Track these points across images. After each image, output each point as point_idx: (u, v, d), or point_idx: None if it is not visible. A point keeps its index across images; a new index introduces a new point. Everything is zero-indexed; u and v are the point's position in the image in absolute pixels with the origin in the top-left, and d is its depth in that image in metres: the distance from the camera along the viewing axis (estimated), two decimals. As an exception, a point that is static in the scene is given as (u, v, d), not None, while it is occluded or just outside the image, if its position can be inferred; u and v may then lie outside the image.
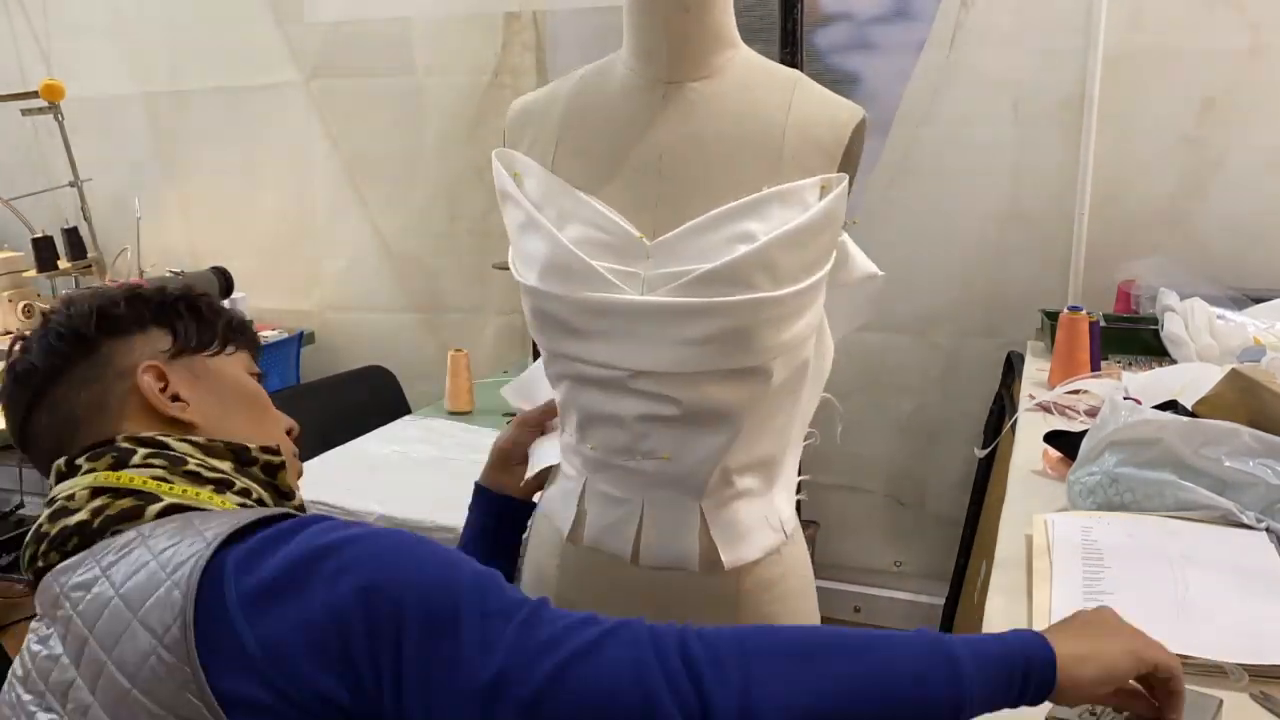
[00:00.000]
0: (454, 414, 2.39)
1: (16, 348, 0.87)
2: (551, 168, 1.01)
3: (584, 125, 1.02)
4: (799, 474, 1.13)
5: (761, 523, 1.03)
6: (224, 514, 0.73)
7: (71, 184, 2.86)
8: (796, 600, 1.08)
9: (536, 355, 2.28)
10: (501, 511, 1.17)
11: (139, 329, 0.87)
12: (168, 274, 2.88)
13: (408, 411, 2.56)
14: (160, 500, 0.74)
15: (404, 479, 1.97)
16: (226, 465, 0.82)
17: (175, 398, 0.84)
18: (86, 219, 2.91)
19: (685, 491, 0.99)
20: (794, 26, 1.46)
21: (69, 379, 0.84)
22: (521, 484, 1.16)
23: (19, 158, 3.30)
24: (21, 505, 3.71)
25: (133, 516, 0.73)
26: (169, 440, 0.80)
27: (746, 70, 0.99)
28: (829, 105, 0.98)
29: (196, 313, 0.91)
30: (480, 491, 1.18)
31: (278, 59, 2.95)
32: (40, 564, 0.75)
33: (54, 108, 2.80)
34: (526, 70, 2.74)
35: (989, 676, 0.69)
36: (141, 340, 0.86)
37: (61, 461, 0.81)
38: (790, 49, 1.47)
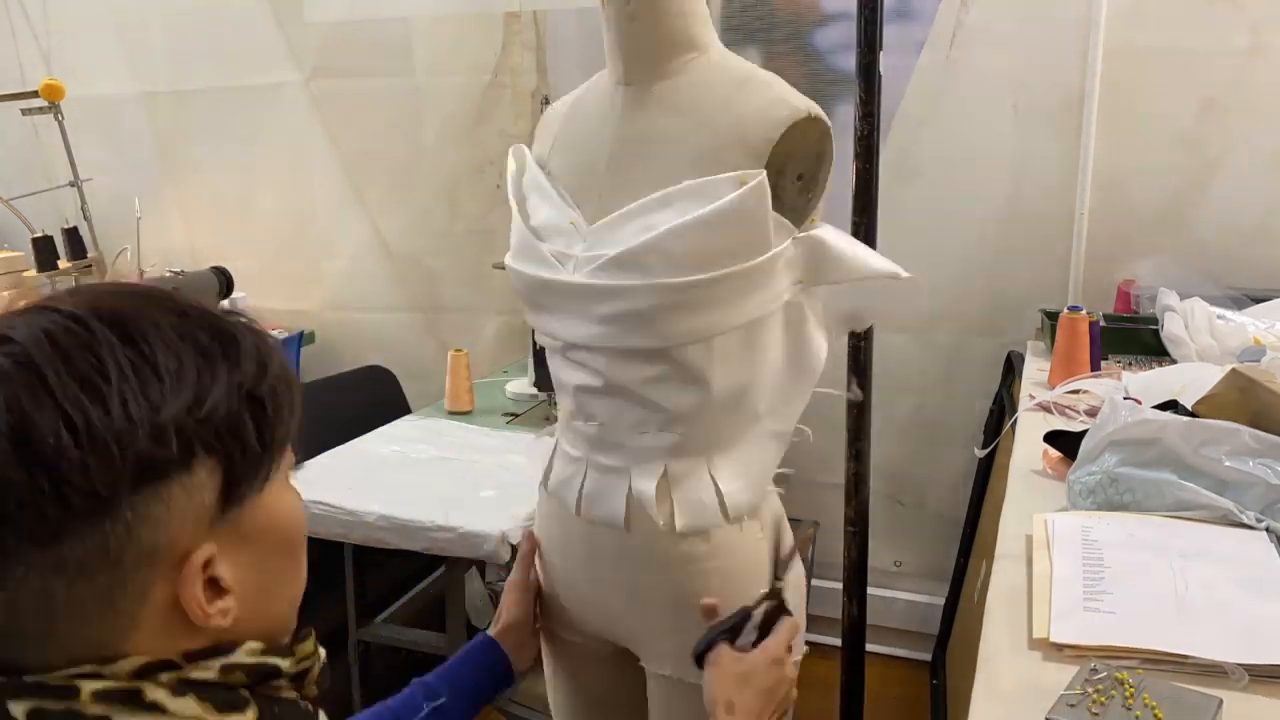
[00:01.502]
0: (454, 414, 2.39)
1: None
2: (548, 161, 1.12)
3: (574, 122, 1.12)
4: (780, 467, 1.15)
5: (693, 501, 1.07)
6: None
7: (71, 184, 2.86)
8: (723, 579, 1.09)
9: (537, 355, 2.28)
10: (502, 680, 1.11)
11: (183, 470, 0.54)
12: (167, 274, 2.88)
13: (408, 411, 2.56)
14: None
15: (404, 479, 1.97)
16: (250, 717, 0.57)
17: (214, 586, 0.56)
18: (86, 219, 2.90)
19: (618, 458, 1.07)
20: (869, 25, 1.45)
21: (58, 562, 0.51)
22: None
23: (19, 158, 3.30)
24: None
25: None
26: (164, 704, 0.54)
27: (703, 72, 1.04)
28: (770, 104, 1.00)
29: (261, 419, 0.57)
30: (493, 648, 1.11)
31: (278, 59, 2.94)
32: None
33: (54, 108, 2.80)
34: (526, 70, 2.74)
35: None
36: (183, 491, 0.54)
37: None
38: (867, 47, 1.46)
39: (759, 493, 1.10)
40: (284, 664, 0.59)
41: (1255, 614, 0.99)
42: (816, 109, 1.00)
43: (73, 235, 2.90)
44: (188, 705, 0.54)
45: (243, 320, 0.60)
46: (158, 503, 0.53)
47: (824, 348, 1.09)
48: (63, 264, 2.91)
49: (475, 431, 2.26)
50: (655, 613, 1.10)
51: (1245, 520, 1.16)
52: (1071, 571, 1.09)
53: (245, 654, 0.57)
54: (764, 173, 0.96)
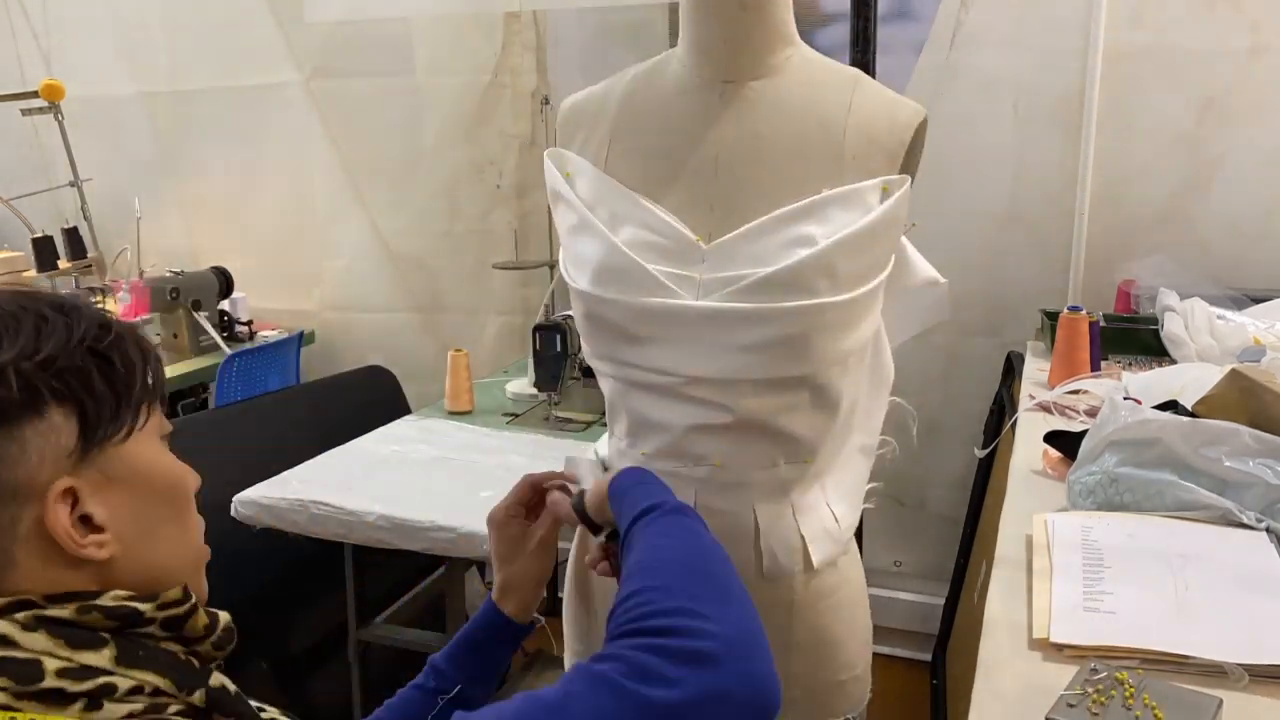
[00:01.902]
0: (454, 414, 2.39)
1: None
2: (605, 168, 0.99)
3: (638, 125, 1.00)
4: (870, 482, 1.12)
5: (820, 533, 1.01)
6: None
7: (71, 184, 2.86)
8: (850, 609, 1.07)
9: (537, 355, 2.29)
10: (503, 635, 1.03)
11: (34, 413, 0.58)
12: (168, 274, 2.88)
13: (408, 411, 2.56)
14: None
15: (404, 479, 1.97)
16: (105, 657, 0.58)
17: (88, 523, 0.60)
18: (86, 219, 2.91)
19: (737, 499, 0.98)
20: (865, 25, 1.44)
21: None
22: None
23: (19, 158, 3.30)
24: None
25: None
26: (14, 637, 0.56)
27: (806, 68, 0.97)
28: (890, 105, 0.96)
29: (109, 370, 0.62)
30: (490, 606, 1.03)
31: (278, 59, 2.95)
32: None
33: (54, 108, 2.80)
34: (526, 70, 2.74)
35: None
36: (36, 433, 0.58)
37: None
38: (861, 47, 1.46)
39: (858, 512, 1.07)
40: (145, 607, 0.61)
41: (1255, 614, 0.99)
42: (924, 110, 0.98)
43: (73, 235, 2.90)
44: (37, 640, 0.57)
45: (90, 302, 0.66)
46: (12, 443, 0.58)
47: (891, 355, 1.06)
48: (63, 264, 2.91)
49: (475, 432, 2.25)
50: (789, 659, 1.02)
51: (1245, 520, 1.16)
52: (1071, 572, 1.09)
53: (109, 599, 0.60)
54: (908, 179, 0.93)
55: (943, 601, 2.55)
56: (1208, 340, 1.88)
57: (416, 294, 3.01)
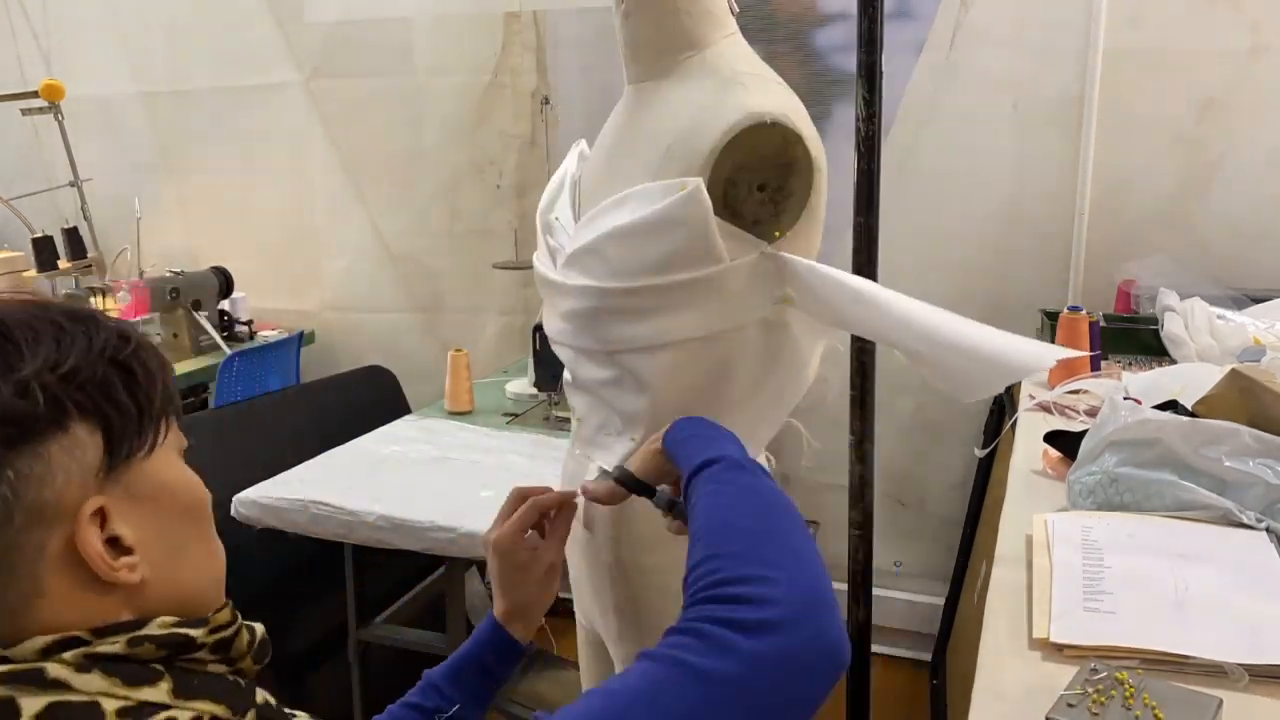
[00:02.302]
0: (454, 414, 2.39)
1: None
2: (589, 156, 1.13)
3: (608, 120, 1.12)
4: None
5: (645, 515, 1.01)
6: None
7: (71, 184, 2.86)
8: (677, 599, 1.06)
9: (537, 355, 2.28)
10: (507, 655, 0.98)
11: (58, 428, 0.55)
12: (168, 274, 2.88)
13: (408, 411, 2.56)
14: None
15: (404, 479, 1.97)
16: (163, 691, 0.56)
17: (116, 544, 0.57)
18: (86, 219, 2.91)
19: (586, 453, 1.09)
20: (871, 25, 1.44)
21: None
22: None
23: (19, 158, 3.30)
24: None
25: None
26: (68, 680, 0.53)
27: (693, 72, 0.99)
28: (728, 108, 0.92)
29: (131, 381, 0.59)
30: (496, 629, 0.99)
31: (278, 59, 2.95)
32: None
33: (54, 108, 2.80)
34: (526, 70, 2.74)
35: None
36: (62, 449, 0.55)
37: None
38: (867, 47, 1.45)
39: None
40: (196, 633, 0.59)
41: (1255, 614, 0.99)
42: (784, 116, 0.91)
43: (73, 235, 2.90)
44: (92, 681, 0.54)
45: (104, 311, 0.65)
46: (38, 460, 0.54)
47: (809, 374, 1.04)
48: (63, 264, 2.91)
49: (475, 432, 2.26)
50: (608, 618, 1.10)
51: (1245, 520, 1.16)
52: (1071, 572, 1.09)
53: (156, 627, 0.57)
54: (699, 180, 0.90)
55: (943, 601, 2.55)
56: (1208, 340, 1.88)
57: (416, 294, 3.01)
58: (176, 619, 0.59)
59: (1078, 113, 2.30)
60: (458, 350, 2.41)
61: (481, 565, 2.67)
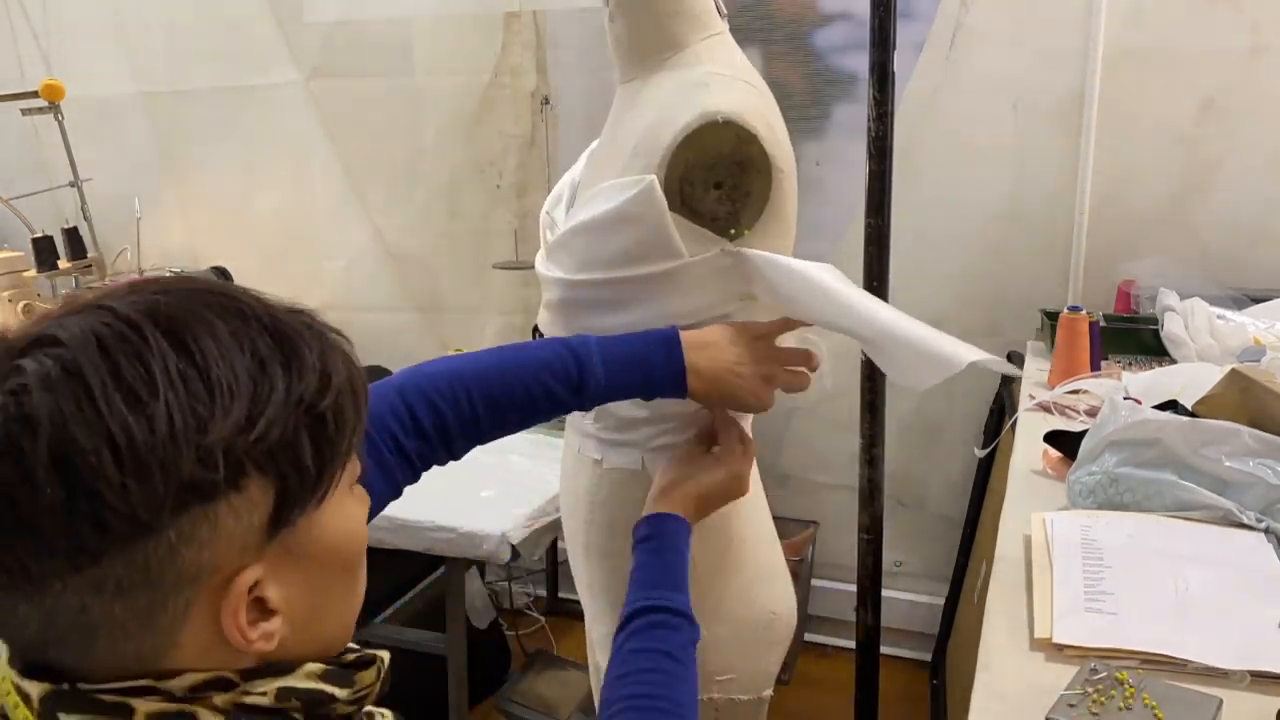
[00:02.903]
0: (454, 414, 2.39)
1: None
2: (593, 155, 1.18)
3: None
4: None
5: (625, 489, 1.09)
6: None
7: (71, 184, 2.86)
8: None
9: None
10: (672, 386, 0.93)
11: (233, 489, 0.51)
12: (167, 274, 2.88)
13: (408, 411, 2.56)
14: None
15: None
16: None
17: (260, 605, 0.54)
18: (86, 219, 2.90)
19: (574, 436, 1.16)
20: (882, 23, 1.44)
21: (97, 582, 0.49)
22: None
23: (19, 158, 3.30)
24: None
25: None
26: None
27: (670, 71, 1.02)
28: (684, 107, 0.95)
29: (320, 436, 0.54)
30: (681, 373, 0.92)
31: (278, 59, 2.94)
32: None
33: (54, 108, 2.80)
34: (526, 70, 2.74)
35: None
36: (230, 510, 0.51)
37: (31, 692, 0.51)
38: (880, 45, 1.45)
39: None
40: (340, 693, 0.56)
41: (1255, 616, 0.99)
42: (738, 115, 0.92)
43: (73, 235, 2.90)
44: None
45: (307, 321, 0.57)
46: (204, 523, 0.50)
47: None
48: (63, 264, 2.91)
49: (475, 431, 2.25)
50: (584, 599, 1.23)
51: (1245, 520, 1.16)
52: (1072, 572, 1.09)
53: (304, 676, 0.55)
54: (650, 178, 0.92)
55: (943, 601, 2.54)
56: (1208, 340, 1.88)
57: (416, 294, 3.01)
58: (322, 669, 0.56)
59: (1078, 113, 2.30)
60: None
61: (482, 566, 2.66)
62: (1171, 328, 1.94)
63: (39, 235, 2.87)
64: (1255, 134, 2.21)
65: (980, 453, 2.03)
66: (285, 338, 0.54)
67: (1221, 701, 0.85)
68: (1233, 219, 2.25)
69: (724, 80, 0.98)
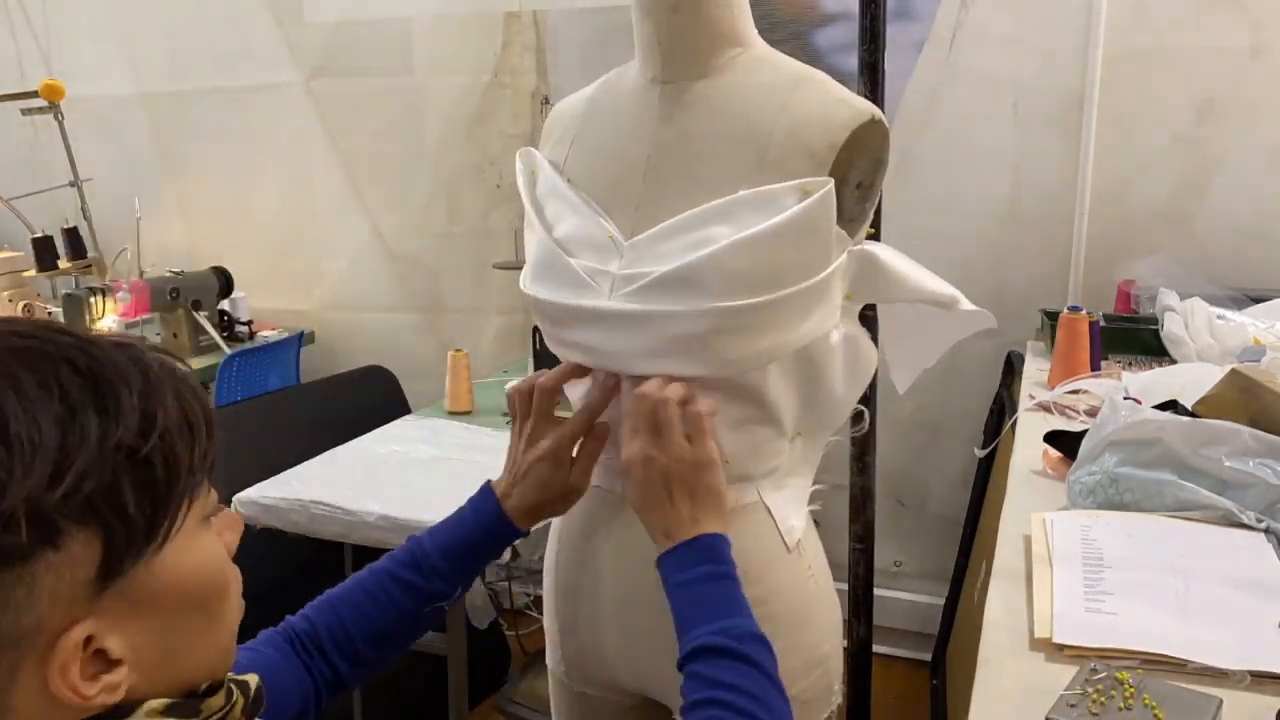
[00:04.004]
0: (454, 414, 2.39)
1: None
2: (564, 165, 1.02)
3: (596, 124, 1.02)
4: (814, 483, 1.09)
5: (752, 535, 0.97)
6: None
7: (71, 184, 2.86)
8: (789, 626, 0.98)
9: (537, 355, 2.28)
10: (501, 540, 0.95)
11: (49, 548, 0.47)
12: (168, 274, 2.88)
13: (408, 411, 2.56)
14: None
15: (404, 479, 1.97)
16: None
17: (104, 662, 0.51)
18: (86, 219, 2.91)
19: None
20: (873, 22, 1.43)
21: None
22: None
23: (19, 158, 3.30)
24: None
25: None
26: None
27: (751, 69, 0.96)
28: (831, 106, 0.92)
29: (147, 480, 0.51)
30: (499, 515, 0.94)
31: (278, 59, 2.95)
32: None
33: (54, 108, 2.80)
34: (526, 70, 2.74)
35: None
36: (49, 568, 0.48)
37: None
38: (869, 44, 1.45)
39: (803, 517, 1.04)
40: None
41: (1255, 616, 0.99)
42: (878, 111, 0.92)
43: (73, 235, 2.90)
44: None
45: (134, 357, 0.52)
46: (19, 586, 0.47)
47: (873, 362, 1.03)
48: (63, 264, 2.91)
49: (475, 432, 2.25)
50: None
51: (1245, 520, 1.16)
52: (1072, 572, 1.09)
53: (143, 715, 0.52)
54: (831, 181, 0.88)
55: (943, 601, 2.54)
56: (1208, 340, 1.88)
57: (416, 294, 3.01)
58: (166, 703, 0.53)
59: (1078, 113, 2.30)
60: (457, 350, 2.41)
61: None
62: (1171, 328, 1.94)
63: (39, 235, 2.87)
64: (1255, 134, 2.21)
65: (980, 453, 2.04)
66: (102, 380, 0.50)
67: (1221, 701, 0.85)
68: (1233, 219, 2.25)
69: (830, 79, 0.95)
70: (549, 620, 1.10)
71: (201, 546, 0.55)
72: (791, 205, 0.87)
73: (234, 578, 0.58)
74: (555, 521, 1.08)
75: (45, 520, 0.47)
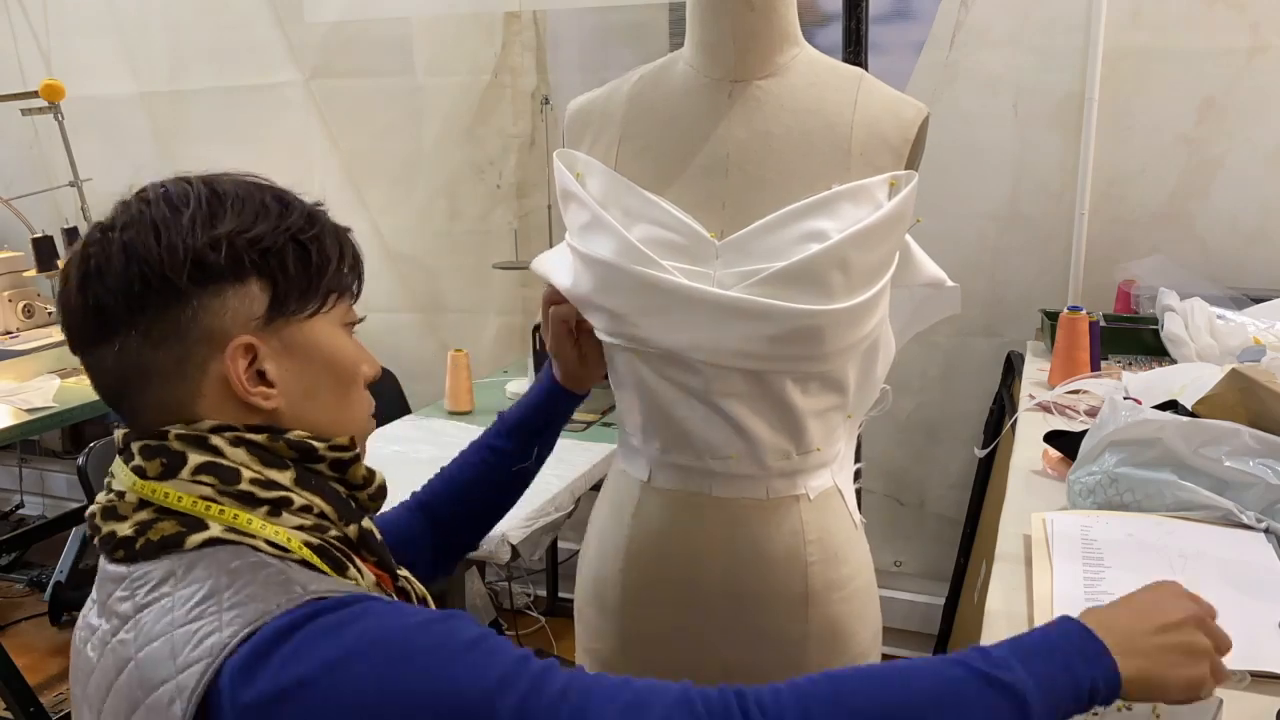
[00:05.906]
0: (454, 414, 2.39)
1: (90, 261, 0.72)
2: (615, 167, 1.01)
3: (647, 124, 1.02)
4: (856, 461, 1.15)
5: (833, 518, 1.05)
6: (256, 577, 0.67)
7: (71, 184, 2.86)
8: (862, 601, 1.10)
9: (537, 355, 2.27)
10: (567, 411, 1.18)
11: (235, 280, 0.72)
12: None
13: (408, 411, 2.56)
14: (205, 529, 0.69)
15: (404, 479, 1.96)
16: (287, 477, 0.73)
17: (261, 376, 0.73)
18: (86, 219, 2.90)
19: (753, 489, 1.01)
20: (858, 25, 1.44)
21: (146, 330, 0.71)
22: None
23: (19, 158, 3.30)
24: (21, 505, 3.71)
25: (173, 545, 0.68)
26: (223, 449, 0.71)
27: (812, 67, 1.00)
28: (894, 102, 0.99)
29: (305, 260, 0.75)
30: (559, 390, 1.14)
31: (278, 59, 2.95)
32: (97, 542, 0.73)
33: (54, 108, 2.80)
34: (526, 70, 2.74)
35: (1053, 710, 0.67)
36: (235, 296, 0.72)
37: (119, 436, 0.75)
38: (854, 48, 1.46)
39: (852, 488, 1.11)
40: (318, 445, 0.76)
41: (1255, 616, 0.99)
42: (926, 108, 1.01)
43: (73, 235, 2.90)
44: (238, 454, 0.72)
45: (311, 203, 0.81)
46: (216, 298, 0.72)
47: (894, 348, 1.07)
48: (62, 264, 2.91)
49: (475, 432, 2.25)
50: (804, 650, 1.05)
51: (1245, 520, 1.16)
52: (1072, 571, 1.09)
53: (291, 435, 0.75)
54: (915, 174, 0.95)
55: (943, 601, 2.55)
56: (1208, 340, 1.88)
57: (416, 294, 3.02)
58: (309, 433, 0.76)
59: (1078, 113, 2.30)
60: (458, 350, 2.41)
61: (482, 565, 2.67)
62: (1171, 328, 1.94)
63: (39, 235, 2.87)
64: (1255, 134, 2.21)
65: (980, 453, 2.04)
66: (287, 194, 0.79)
67: (1221, 701, 0.85)
68: (1233, 219, 2.25)
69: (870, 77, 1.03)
70: (601, 607, 1.13)
71: (340, 337, 0.79)
72: (883, 198, 0.93)
73: (364, 374, 0.81)
74: (599, 520, 1.15)
75: (236, 257, 0.72)
